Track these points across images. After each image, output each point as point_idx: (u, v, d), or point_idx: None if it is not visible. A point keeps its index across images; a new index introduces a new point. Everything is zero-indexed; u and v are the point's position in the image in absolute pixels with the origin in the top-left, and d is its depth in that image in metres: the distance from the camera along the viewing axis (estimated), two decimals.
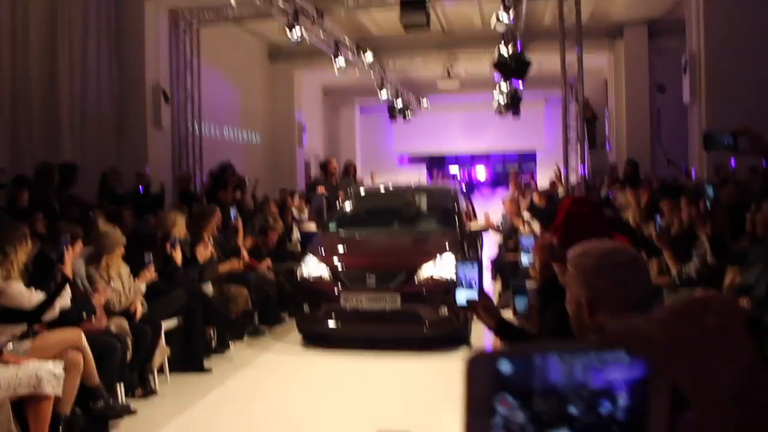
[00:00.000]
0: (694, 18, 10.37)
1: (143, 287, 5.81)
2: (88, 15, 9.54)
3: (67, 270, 4.77)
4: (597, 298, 1.80)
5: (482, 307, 2.54)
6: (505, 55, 11.71)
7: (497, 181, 29.31)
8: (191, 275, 6.58)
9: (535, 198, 9.56)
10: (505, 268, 8.51)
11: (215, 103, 12.40)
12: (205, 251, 6.68)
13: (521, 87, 12.53)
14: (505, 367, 0.51)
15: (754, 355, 0.53)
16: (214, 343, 6.99)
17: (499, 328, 2.59)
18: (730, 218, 5.71)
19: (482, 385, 0.51)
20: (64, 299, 4.63)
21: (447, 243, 7.56)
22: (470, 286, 2.55)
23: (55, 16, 8.93)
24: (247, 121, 14.19)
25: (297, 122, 16.02)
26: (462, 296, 2.53)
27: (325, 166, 12.09)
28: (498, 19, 10.21)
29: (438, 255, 7.27)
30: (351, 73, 16.44)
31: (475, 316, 2.61)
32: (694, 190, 6.25)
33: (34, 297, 4.49)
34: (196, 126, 11.40)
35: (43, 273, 4.84)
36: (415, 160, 27.21)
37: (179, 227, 6.74)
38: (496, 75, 14.36)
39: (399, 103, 18.05)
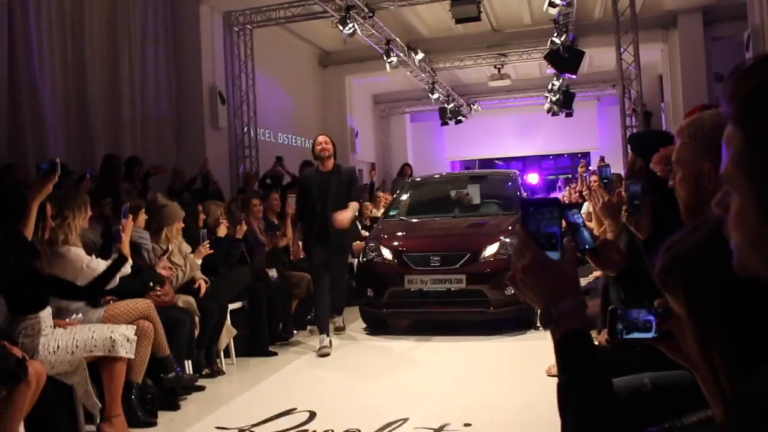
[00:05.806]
0: None
1: (199, 262, 5.82)
2: (146, 21, 9.77)
3: (126, 240, 4.63)
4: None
5: (608, 247, 2.15)
6: (558, 43, 11.56)
7: (549, 187, 29.00)
8: (257, 260, 6.61)
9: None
10: None
11: (269, 106, 12.49)
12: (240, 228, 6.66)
13: (575, 77, 12.30)
14: None
15: None
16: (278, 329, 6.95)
17: (624, 274, 2.16)
18: None
19: None
20: (124, 268, 4.54)
21: (510, 225, 7.41)
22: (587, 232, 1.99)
23: (115, 24, 9.14)
24: (300, 125, 14.26)
25: (349, 128, 16.04)
26: (586, 237, 1.95)
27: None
28: (550, 3, 10.08)
29: (501, 236, 7.14)
30: (401, 80, 16.44)
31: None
32: None
33: (93, 262, 4.40)
34: (252, 128, 11.51)
35: (108, 248, 4.85)
36: (467, 167, 27.04)
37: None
38: (549, 69, 14.19)
39: (450, 107, 17.93)
